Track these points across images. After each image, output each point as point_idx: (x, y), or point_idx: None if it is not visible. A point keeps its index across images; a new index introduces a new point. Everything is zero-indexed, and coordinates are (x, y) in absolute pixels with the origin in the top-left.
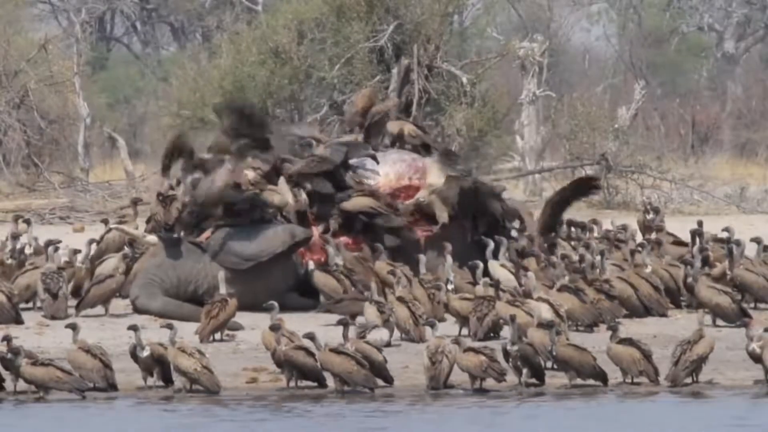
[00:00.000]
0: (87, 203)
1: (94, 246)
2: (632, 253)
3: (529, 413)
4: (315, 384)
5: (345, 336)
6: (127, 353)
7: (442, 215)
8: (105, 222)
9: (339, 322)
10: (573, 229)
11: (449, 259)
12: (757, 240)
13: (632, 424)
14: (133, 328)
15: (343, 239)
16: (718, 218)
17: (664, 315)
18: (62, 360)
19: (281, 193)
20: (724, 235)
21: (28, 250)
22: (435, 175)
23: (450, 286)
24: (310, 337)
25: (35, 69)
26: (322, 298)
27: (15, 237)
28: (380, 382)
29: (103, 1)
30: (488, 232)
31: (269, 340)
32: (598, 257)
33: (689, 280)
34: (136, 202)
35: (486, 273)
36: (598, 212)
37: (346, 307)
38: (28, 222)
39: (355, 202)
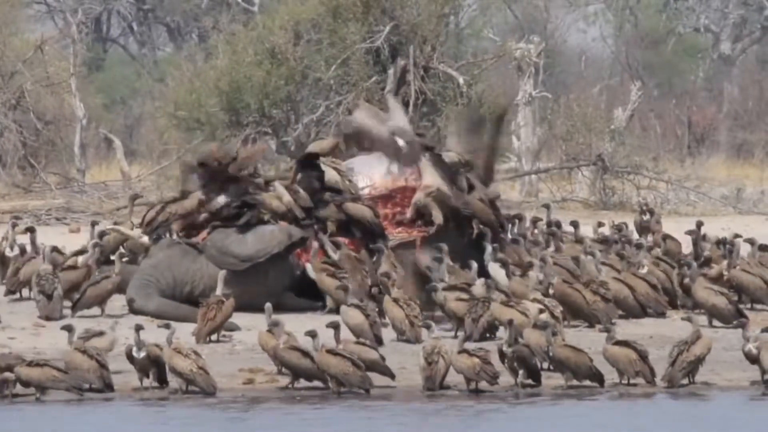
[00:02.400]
0: (83, 204)
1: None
2: (619, 254)
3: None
4: (311, 384)
5: (336, 339)
6: (122, 354)
7: (438, 216)
8: (93, 224)
9: (329, 325)
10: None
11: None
12: (750, 241)
13: (628, 424)
14: (136, 328)
15: (341, 239)
16: (715, 219)
17: (662, 315)
18: (58, 361)
19: (280, 197)
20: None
21: (9, 253)
22: (429, 176)
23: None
24: (312, 335)
25: (31, 70)
26: (328, 300)
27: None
28: (380, 383)
29: (100, 1)
30: (482, 232)
31: (266, 341)
32: (590, 257)
33: (686, 280)
34: (134, 199)
35: (482, 273)
36: (594, 213)
37: None
38: (15, 225)
39: (358, 210)
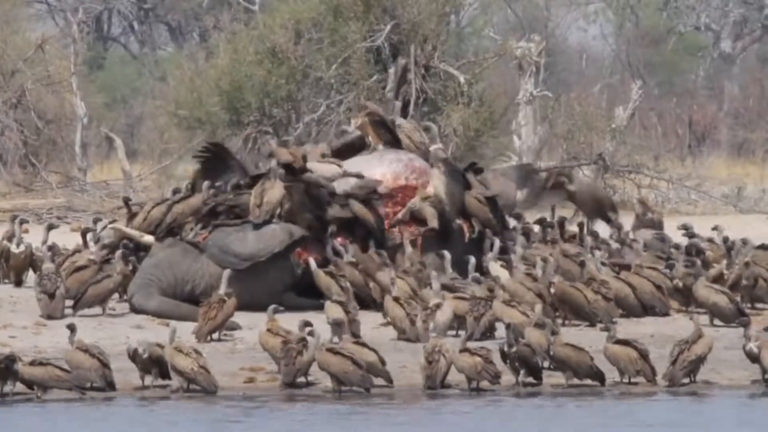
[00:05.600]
0: (84, 203)
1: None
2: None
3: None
4: (311, 383)
5: (339, 336)
6: (124, 353)
7: (433, 221)
8: (95, 221)
9: (332, 322)
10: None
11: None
12: (743, 241)
13: (629, 423)
14: (137, 327)
15: (340, 240)
16: (715, 218)
17: (666, 314)
18: (60, 360)
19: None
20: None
21: (14, 249)
22: (434, 185)
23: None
24: (312, 333)
25: (32, 69)
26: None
27: (10, 238)
28: (380, 382)
29: (101, 0)
30: (483, 231)
31: (266, 340)
32: (590, 256)
33: (675, 281)
34: (127, 201)
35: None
36: None
37: None
38: (22, 222)
39: (361, 210)
